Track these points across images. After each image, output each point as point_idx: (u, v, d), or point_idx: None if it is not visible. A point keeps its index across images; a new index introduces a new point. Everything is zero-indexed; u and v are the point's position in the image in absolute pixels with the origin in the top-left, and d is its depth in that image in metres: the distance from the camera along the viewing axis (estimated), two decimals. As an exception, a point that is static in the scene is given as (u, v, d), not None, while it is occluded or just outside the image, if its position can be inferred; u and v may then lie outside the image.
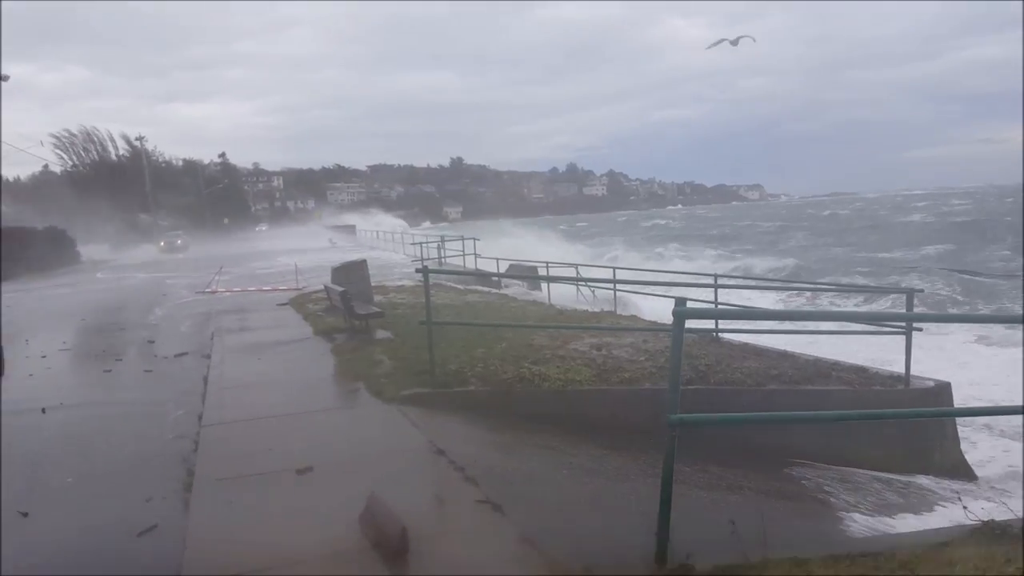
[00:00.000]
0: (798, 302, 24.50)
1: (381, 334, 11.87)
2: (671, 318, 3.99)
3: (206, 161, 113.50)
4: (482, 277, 21.27)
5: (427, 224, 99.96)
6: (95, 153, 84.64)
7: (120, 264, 43.39)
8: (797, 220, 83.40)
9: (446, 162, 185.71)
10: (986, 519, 4.37)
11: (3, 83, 33.01)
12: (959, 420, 9.45)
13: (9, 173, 75.19)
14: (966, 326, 18.25)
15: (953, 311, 24.53)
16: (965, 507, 4.62)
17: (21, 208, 59.13)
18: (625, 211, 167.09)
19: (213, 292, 21.84)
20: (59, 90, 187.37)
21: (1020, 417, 10.01)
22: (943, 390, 8.82)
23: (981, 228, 53.76)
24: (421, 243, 28.68)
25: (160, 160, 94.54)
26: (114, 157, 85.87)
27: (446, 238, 30.13)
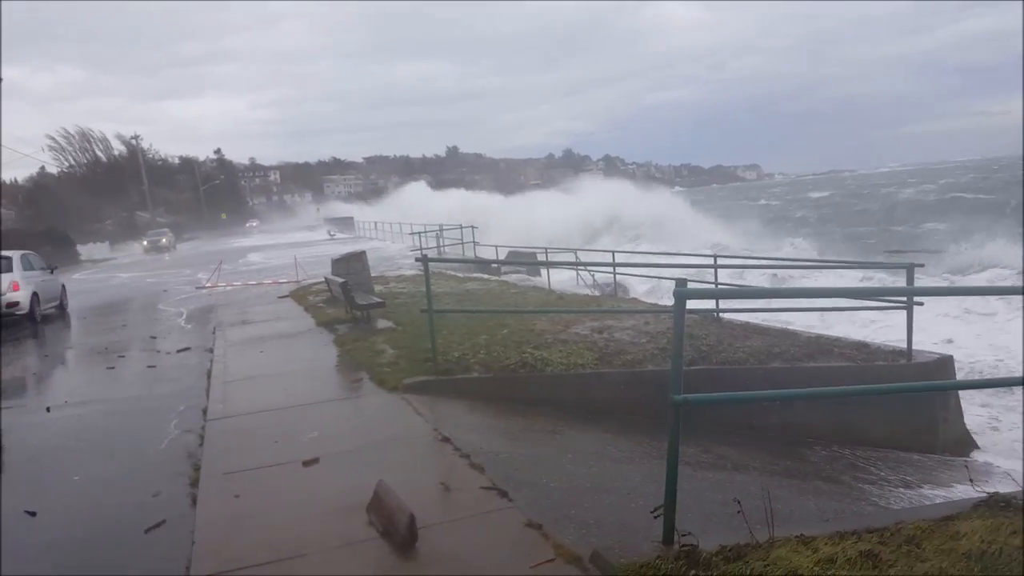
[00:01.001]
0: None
1: (382, 324, 11.87)
2: (671, 300, 3.98)
3: (202, 158, 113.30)
4: (482, 264, 21.26)
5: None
6: (91, 153, 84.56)
7: (113, 264, 43.38)
8: (790, 204, 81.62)
9: (442, 151, 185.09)
10: (991, 491, 4.38)
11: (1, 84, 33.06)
12: (963, 392, 9.46)
13: (6, 176, 75.09)
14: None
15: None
16: (971, 479, 4.63)
17: (20, 211, 59.05)
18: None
19: (212, 287, 21.86)
20: (52, 91, 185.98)
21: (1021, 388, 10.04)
22: (945, 363, 8.83)
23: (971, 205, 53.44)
24: (420, 232, 28.63)
25: (156, 158, 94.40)
26: (108, 158, 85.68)
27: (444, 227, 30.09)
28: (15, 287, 14.18)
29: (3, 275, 15.34)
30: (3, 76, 35.51)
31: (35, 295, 16.20)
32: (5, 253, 15.73)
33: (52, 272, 18.14)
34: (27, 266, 16.48)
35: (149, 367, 10.51)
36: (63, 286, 19.05)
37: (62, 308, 18.47)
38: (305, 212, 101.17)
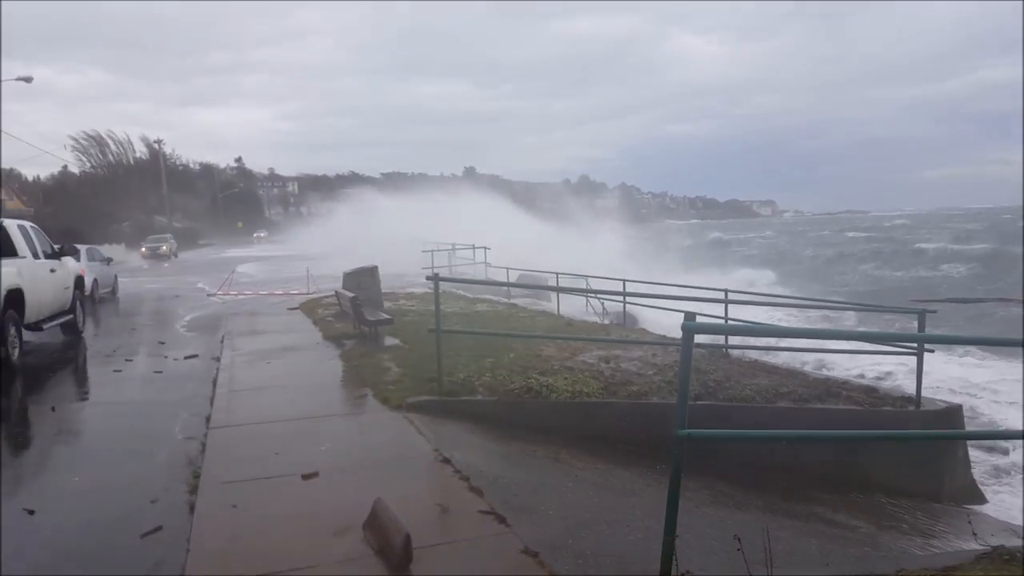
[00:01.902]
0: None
1: (390, 341, 11.89)
2: (680, 332, 3.96)
3: (222, 165, 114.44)
4: (492, 286, 21.28)
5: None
6: (112, 156, 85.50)
7: (120, 268, 43.65)
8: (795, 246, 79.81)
9: (459, 171, 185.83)
10: (995, 544, 4.31)
11: (13, 83, 34.03)
12: (971, 443, 9.34)
13: (29, 173, 76.01)
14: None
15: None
16: (975, 532, 4.56)
17: (39, 208, 59.56)
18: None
19: (223, 295, 22.01)
20: (79, 92, 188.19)
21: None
22: (954, 412, 8.73)
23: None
24: (432, 251, 28.73)
25: (177, 163, 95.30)
26: (131, 160, 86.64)
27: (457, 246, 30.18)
28: (82, 272, 16.19)
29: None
30: (32, 75, 36.13)
31: (95, 281, 19.79)
32: (76, 245, 17.18)
33: (108, 263, 22.23)
34: (91, 257, 20.18)
35: (156, 372, 10.52)
36: (116, 276, 22.92)
37: (114, 293, 22.28)
38: (323, 223, 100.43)
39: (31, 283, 11.44)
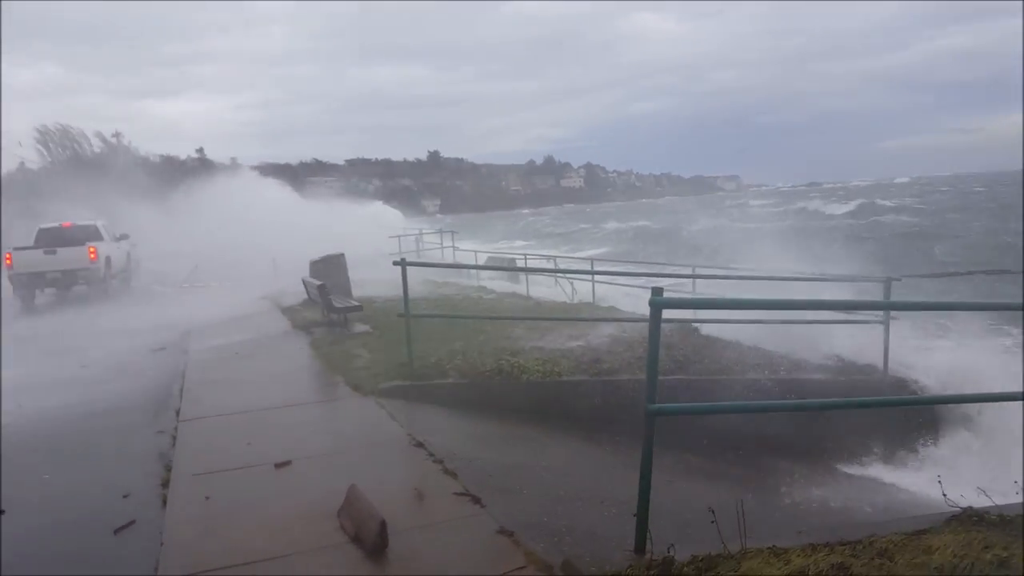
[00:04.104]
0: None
1: (359, 327, 11.79)
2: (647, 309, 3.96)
3: (183, 157, 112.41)
4: (460, 269, 21.20)
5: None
6: (64, 149, 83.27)
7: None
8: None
9: (423, 156, 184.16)
10: (964, 506, 4.40)
11: None
12: (935, 408, 9.53)
13: (-19, 171, 73.71)
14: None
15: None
16: (945, 494, 4.64)
17: None
18: (547, 207, 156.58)
19: (188, 287, 21.68)
20: (31, 87, 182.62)
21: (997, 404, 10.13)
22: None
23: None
24: (399, 236, 28.58)
25: (136, 156, 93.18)
26: (89, 154, 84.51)
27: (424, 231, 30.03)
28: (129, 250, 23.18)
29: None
30: None
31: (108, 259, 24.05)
32: (126, 233, 23.46)
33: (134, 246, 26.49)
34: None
35: (123, 366, 10.32)
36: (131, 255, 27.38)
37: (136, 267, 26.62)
38: None
39: (113, 253, 20.95)
